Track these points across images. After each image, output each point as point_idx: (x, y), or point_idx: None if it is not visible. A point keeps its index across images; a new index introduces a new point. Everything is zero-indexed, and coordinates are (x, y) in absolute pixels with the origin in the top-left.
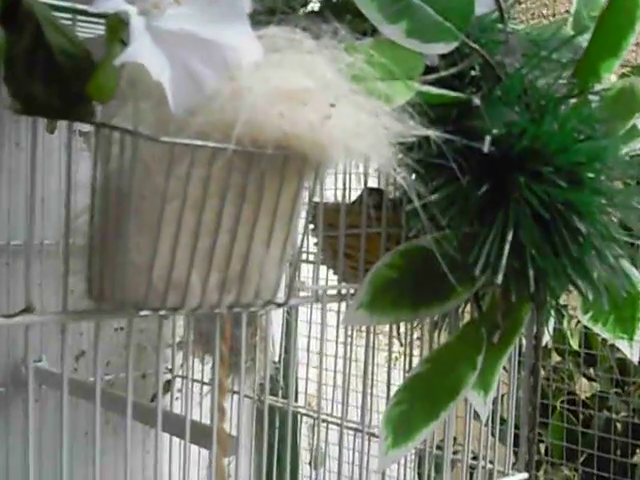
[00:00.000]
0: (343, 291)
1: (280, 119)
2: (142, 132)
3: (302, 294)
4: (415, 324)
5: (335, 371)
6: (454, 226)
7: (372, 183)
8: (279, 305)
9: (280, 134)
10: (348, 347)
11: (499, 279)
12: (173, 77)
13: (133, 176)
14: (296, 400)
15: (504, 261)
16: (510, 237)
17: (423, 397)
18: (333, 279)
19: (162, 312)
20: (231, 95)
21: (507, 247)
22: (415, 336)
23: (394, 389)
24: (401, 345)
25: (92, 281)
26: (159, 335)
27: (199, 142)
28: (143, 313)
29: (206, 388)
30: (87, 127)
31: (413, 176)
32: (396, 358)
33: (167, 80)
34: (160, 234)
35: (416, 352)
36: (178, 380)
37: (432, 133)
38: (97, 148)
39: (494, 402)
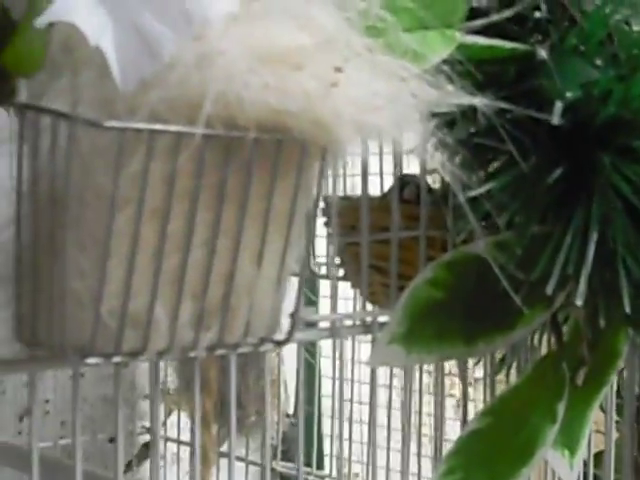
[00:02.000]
0: (368, 319)
1: (265, 91)
2: (80, 115)
3: (311, 326)
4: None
5: (373, 425)
6: (517, 227)
7: (409, 169)
8: (278, 343)
9: (266, 111)
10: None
11: (581, 298)
12: (118, 40)
13: (70, 175)
14: (320, 467)
15: (587, 272)
16: (595, 239)
17: (483, 463)
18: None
19: (117, 358)
20: (197, 61)
21: (591, 253)
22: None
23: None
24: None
25: (22, 319)
26: (116, 385)
27: (157, 126)
28: (90, 361)
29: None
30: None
31: (457, 160)
32: (458, 405)
33: (110, 45)
34: (110, 253)
35: (480, 395)
36: (160, 442)
37: (481, 101)
38: (21, 139)
39: (584, 464)
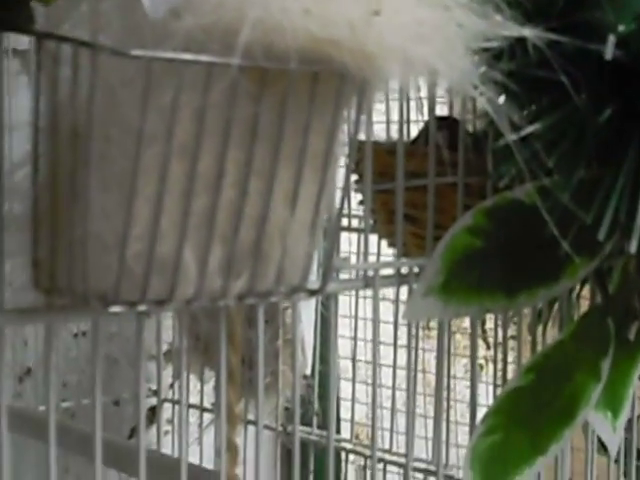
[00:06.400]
0: (404, 270)
1: (306, 17)
2: (104, 44)
3: (344, 276)
4: (510, 316)
5: (394, 387)
6: (565, 169)
7: (441, 111)
8: (312, 293)
9: (307, 40)
10: (412, 352)
11: (634, 246)
12: None
13: (93, 109)
14: (338, 432)
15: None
16: None
17: (524, 422)
18: (389, 253)
19: (142, 307)
20: None
21: None
22: (509, 334)
23: (481, 412)
24: (488, 348)
25: (40, 265)
26: (138, 341)
27: (188, 56)
28: (114, 309)
29: (208, 416)
30: (24, 42)
31: (503, 97)
32: (481, 367)
33: None
34: (136, 193)
35: (511, 358)
36: (168, 406)
37: (530, 33)
38: (39, 70)
39: (627, 428)
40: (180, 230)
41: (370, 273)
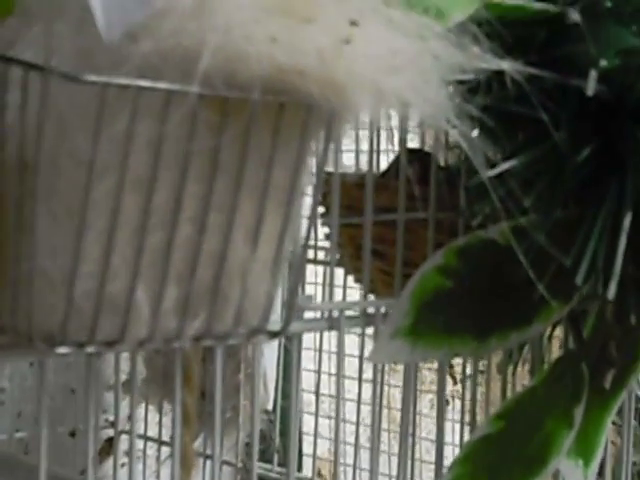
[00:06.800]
0: (370, 309)
1: (272, 45)
2: (56, 68)
3: (308, 314)
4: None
5: (358, 423)
6: (542, 209)
7: (412, 143)
8: (273, 335)
9: (272, 69)
10: (377, 387)
11: (612, 291)
12: None
13: (42, 137)
14: (300, 468)
15: (619, 262)
16: (627, 224)
17: (493, 472)
18: (354, 286)
19: (91, 348)
20: (194, 8)
21: (623, 240)
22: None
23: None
24: (455, 383)
25: None
26: (87, 379)
27: (145, 82)
28: (61, 350)
29: (166, 450)
30: None
31: (477, 132)
32: (447, 402)
33: None
34: (86, 227)
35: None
36: (125, 438)
37: (508, 66)
38: None
39: (599, 473)
40: (133, 268)
41: (335, 313)
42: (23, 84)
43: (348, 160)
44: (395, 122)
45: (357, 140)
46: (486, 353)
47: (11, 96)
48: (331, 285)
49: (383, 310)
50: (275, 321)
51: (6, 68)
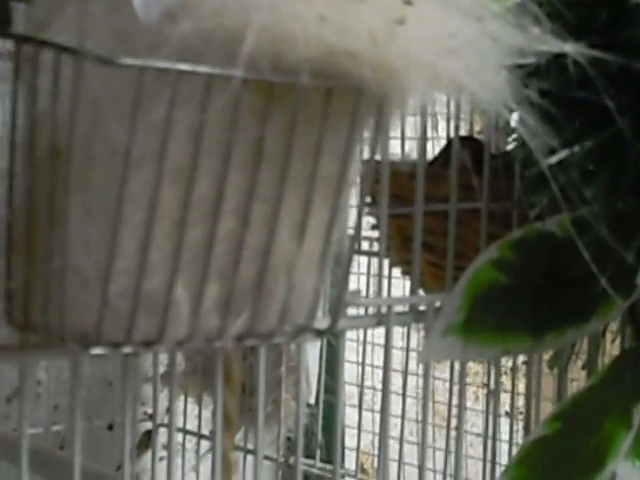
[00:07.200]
0: (421, 306)
1: (321, 25)
2: (90, 51)
3: (352, 311)
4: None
5: (403, 417)
6: (603, 200)
7: (464, 130)
8: (320, 333)
9: (321, 51)
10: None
11: None
12: None
13: (75, 125)
14: (343, 463)
15: None
16: None
17: (549, 475)
18: (399, 280)
19: (127, 349)
20: None
21: None
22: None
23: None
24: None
25: (12, 297)
26: (124, 379)
27: (185, 66)
28: (95, 351)
29: (206, 443)
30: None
31: (538, 118)
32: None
33: None
34: (122, 221)
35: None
36: (163, 431)
37: (571, 48)
38: (16, 78)
39: None
40: (172, 264)
41: (383, 309)
42: (55, 68)
43: (393, 145)
44: (445, 108)
45: (403, 126)
46: (541, 351)
47: (42, 81)
48: (379, 280)
49: (436, 305)
50: (321, 318)
51: (37, 51)
